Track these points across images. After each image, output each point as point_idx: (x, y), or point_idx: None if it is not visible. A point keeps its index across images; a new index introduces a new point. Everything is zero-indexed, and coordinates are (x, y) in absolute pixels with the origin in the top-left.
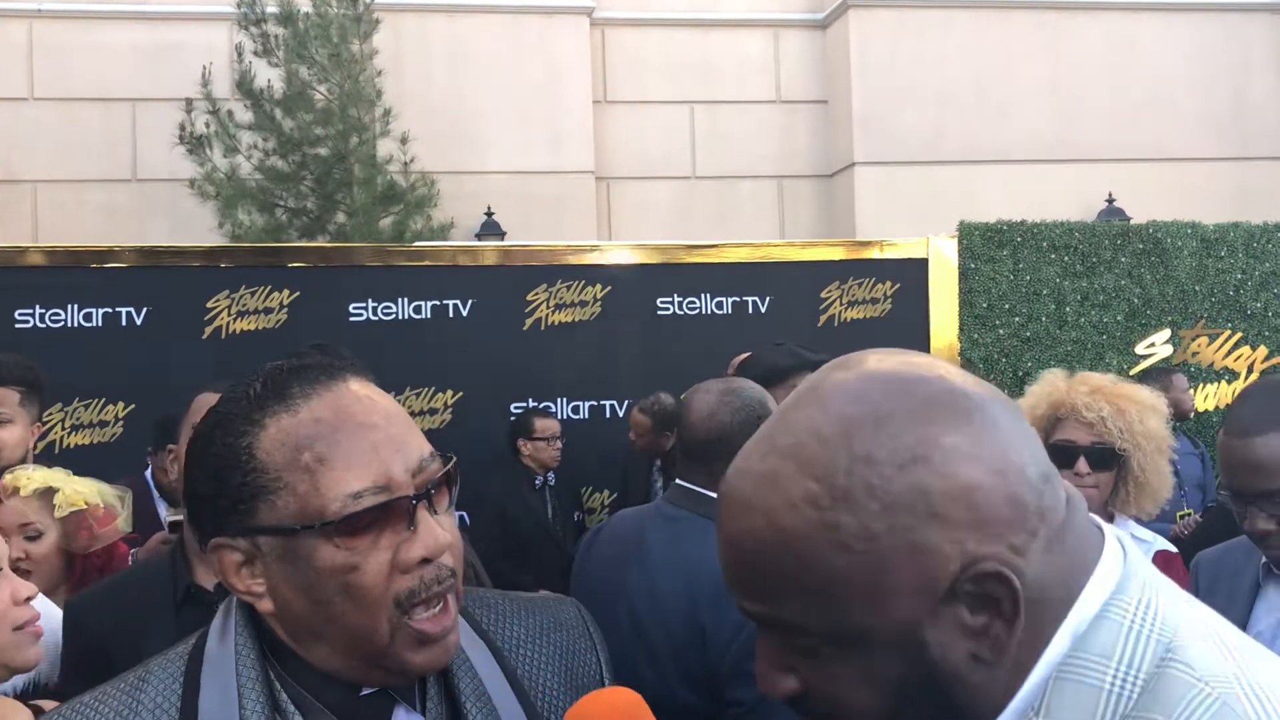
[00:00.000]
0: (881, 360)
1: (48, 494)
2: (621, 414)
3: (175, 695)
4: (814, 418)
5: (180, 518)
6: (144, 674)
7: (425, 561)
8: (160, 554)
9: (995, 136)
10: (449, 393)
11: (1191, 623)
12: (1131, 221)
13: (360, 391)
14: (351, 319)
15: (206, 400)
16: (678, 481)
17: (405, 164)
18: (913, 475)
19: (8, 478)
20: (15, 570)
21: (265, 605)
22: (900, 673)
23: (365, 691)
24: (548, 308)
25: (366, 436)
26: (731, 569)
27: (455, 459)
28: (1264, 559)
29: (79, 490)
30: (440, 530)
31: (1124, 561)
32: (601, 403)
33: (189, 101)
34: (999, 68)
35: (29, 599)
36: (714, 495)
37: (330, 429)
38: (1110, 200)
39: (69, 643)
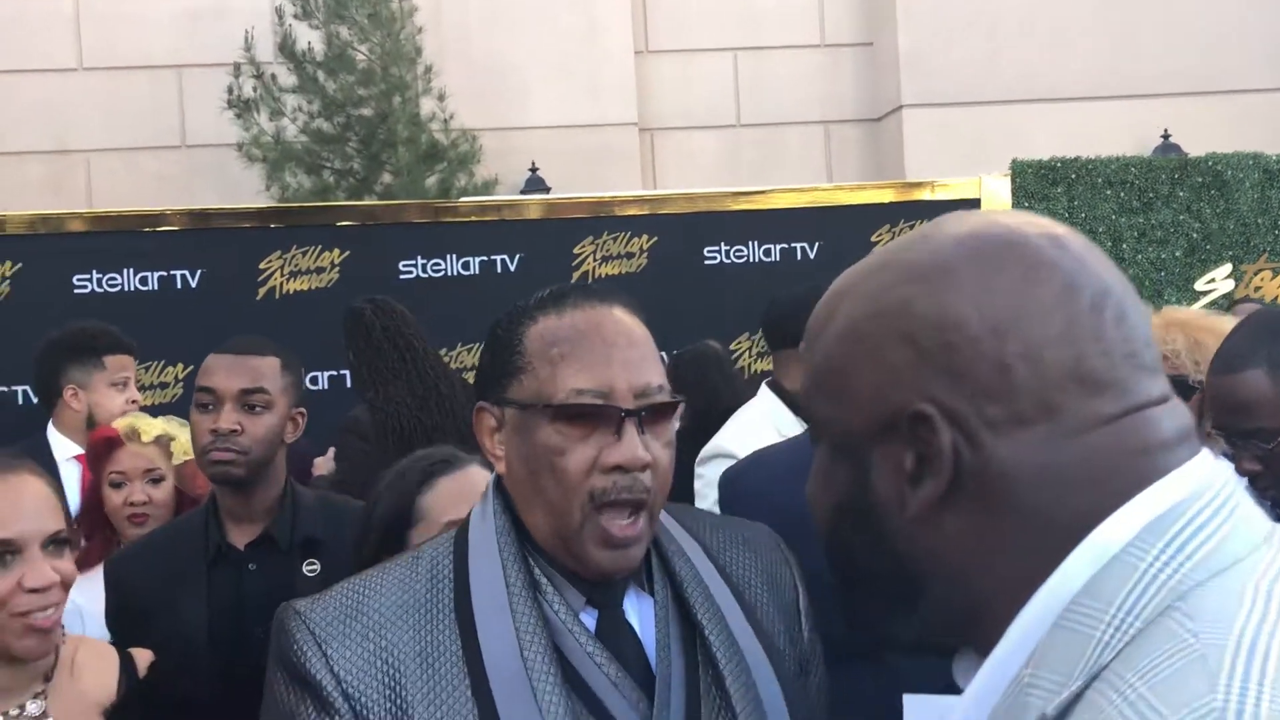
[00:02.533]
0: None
1: (165, 441)
2: (668, 364)
3: (448, 566)
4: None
5: None
6: (417, 552)
7: (620, 470)
8: (194, 513)
9: (1046, 73)
10: None
11: (1245, 568)
12: (1189, 156)
13: (619, 316)
14: (402, 276)
15: (214, 360)
16: None
17: (445, 121)
18: (908, 291)
19: (124, 423)
20: (135, 515)
21: (501, 468)
22: (845, 485)
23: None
24: (594, 260)
25: (605, 350)
26: None
27: (683, 401)
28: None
29: (187, 440)
30: (641, 449)
31: (1187, 497)
32: None
33: (236, 66)
34: (1048, 1)
35: (38, 590)
36: None
37: (579, 335)
38: (1166, 135)
39: (109, 598)
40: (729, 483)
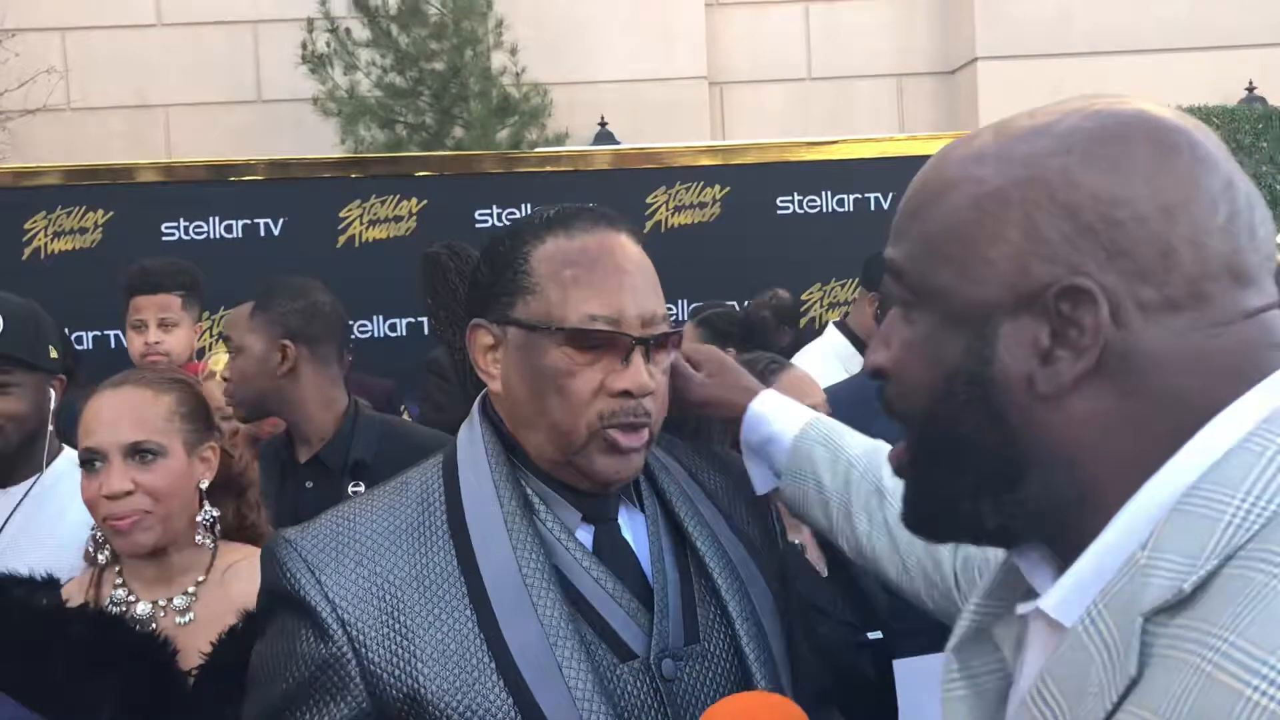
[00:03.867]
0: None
1: None
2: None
3: (439, 489)
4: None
5: None
6: (404, 478)
7: (627, 394)
8: (277, 438)
9: (1127, 24)
10: None
11: None
12: (1275, 107)
13: (627, 243)
14: (478, 225)
15: (237, 313)
16: None
17: (516, 75)
18: (1071, 161)
19: (207, 362)
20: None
21: (495, 386)
22: (959, 359)
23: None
24: (667, 210)
25: (616, 277)
26: (898, 212)
27: (681, 331)
28: None
29: None
30: (646, 375)
31: None
32: (723, 303)
33: (309, 21)
34: None
35: (113, 497)
36: None
37: (591, 259)
38: (1251, 88)
39: None
40: None
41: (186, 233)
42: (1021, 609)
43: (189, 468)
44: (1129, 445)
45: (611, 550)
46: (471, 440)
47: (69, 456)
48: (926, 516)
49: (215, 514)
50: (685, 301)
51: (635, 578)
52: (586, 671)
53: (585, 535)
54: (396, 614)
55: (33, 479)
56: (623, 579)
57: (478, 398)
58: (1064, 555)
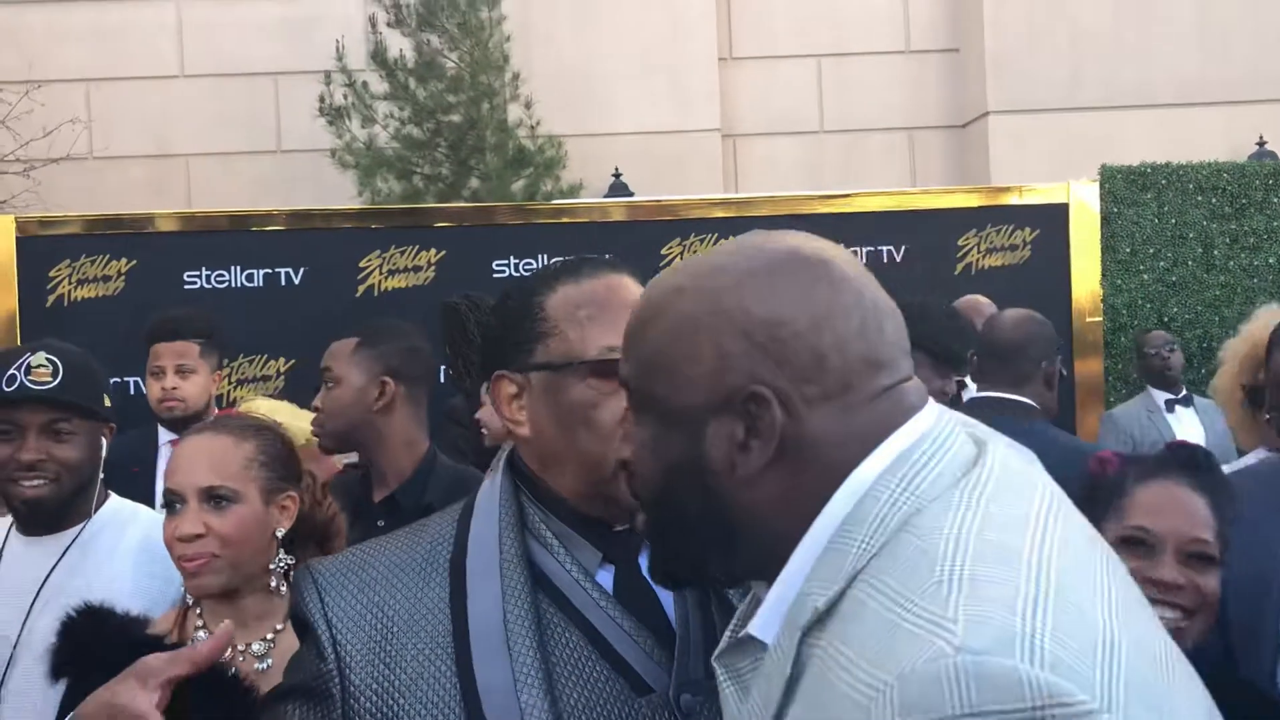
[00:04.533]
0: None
1: None
2: None
3: (451, 530)
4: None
5: (353, 459)
6: (425, 520)
7: None
8: (353, 476)
9: (1137, 79)
10: None
11: (953, 492)
12: None
13: (630, 284)
14: (495, 275)
15: (341, 346)
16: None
17: (532, 127)
18: (742, 295)
19: (240, 408)
20: None
21: (523, 431)
22: (679, 451)
23: (617, 529)
24: (682, 260)
25: (626, 311)
26: (625, 331)
27: None
28: None
29: (301, 427)
30: None
31: (911, 445)
32: None
33: (327, 74)
34: (1140, 5)
35: (185, 539)
36: (1020, 399)
37: (603, 298)
38: (1261, 143)
39: None
40: None
41: (208, 281)
42: (742, 632)
43: (264, 515)
44: (805, 506)
45: (631, 590)
46: (490, 488)
47: (115, 503)
48: (667, 572)
49: (290, 561)
50: None
51: (656, 616)
52: None
53: (605, 577)
54: (386, 644)
55: (80, 525)
56: (642, 617)
57: (505, 450)
58: None
